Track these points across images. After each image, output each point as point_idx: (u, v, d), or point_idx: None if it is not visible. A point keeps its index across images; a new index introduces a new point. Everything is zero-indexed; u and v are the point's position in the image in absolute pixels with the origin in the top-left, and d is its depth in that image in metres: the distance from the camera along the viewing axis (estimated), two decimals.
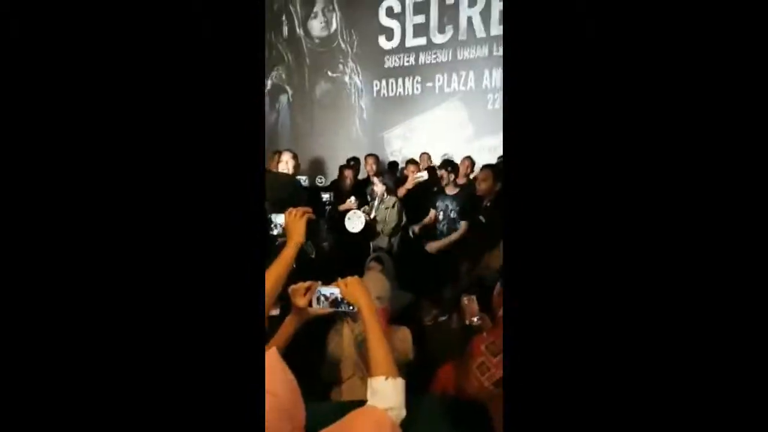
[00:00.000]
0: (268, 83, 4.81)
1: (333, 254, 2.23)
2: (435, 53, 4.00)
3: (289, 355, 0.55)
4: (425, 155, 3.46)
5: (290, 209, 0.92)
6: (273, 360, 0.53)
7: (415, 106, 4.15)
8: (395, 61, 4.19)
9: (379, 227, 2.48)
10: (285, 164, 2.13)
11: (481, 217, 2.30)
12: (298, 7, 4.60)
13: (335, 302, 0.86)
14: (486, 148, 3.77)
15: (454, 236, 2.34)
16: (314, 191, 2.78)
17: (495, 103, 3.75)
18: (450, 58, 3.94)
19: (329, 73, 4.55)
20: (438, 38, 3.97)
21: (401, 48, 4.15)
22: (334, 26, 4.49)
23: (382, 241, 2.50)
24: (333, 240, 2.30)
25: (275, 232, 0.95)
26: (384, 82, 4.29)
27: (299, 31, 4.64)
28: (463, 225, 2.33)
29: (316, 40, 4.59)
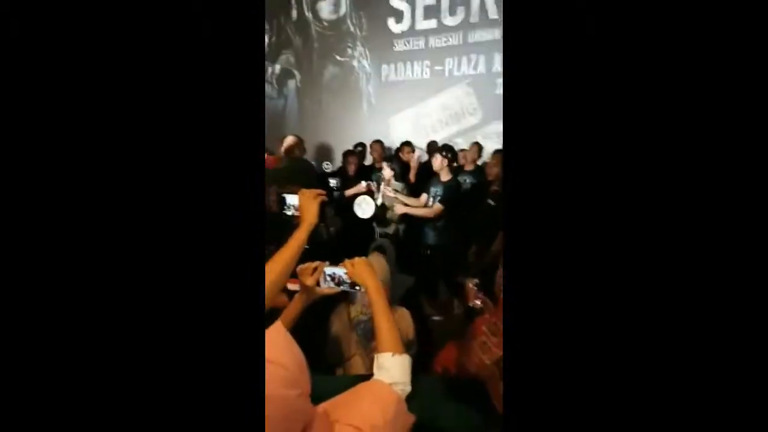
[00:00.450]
0: (277, 68, 4.78)
1: (340, 238, 2.27)
2: (446, 36, 3.91)
3: (294, 335, 0.58)
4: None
5: (303, 190, 0.93)
6: (276, 331, 0.55)
7: (424, 90, 4.09)
8: (405, 44, 4.12)
9: (387, 214, 2.50)
10: (292, 151, 2.15)
11: (490, 201, 2.30)
12: None
13: (342, 282, 0.89)
14: (495, 133, 3.72)
15: (412, 201, 2.34)
16: (321, 176, 2.79)
17: None
18: (461, 41, 3.86)
19: (337, 57, 4.50)
20: (449, 20, 3.88)
21: (411, 31, 4.07)
22: (343, 9, 4.41)
23: (389, 227, 2.52)
24: (340, 224, 2.33)
25: (289, 213, 0.97)
26: (393, 66, 4.22)
27: (308, 14, 4.57)
28: (422, 198, 2.33)
29: (325, 23, 4.52)
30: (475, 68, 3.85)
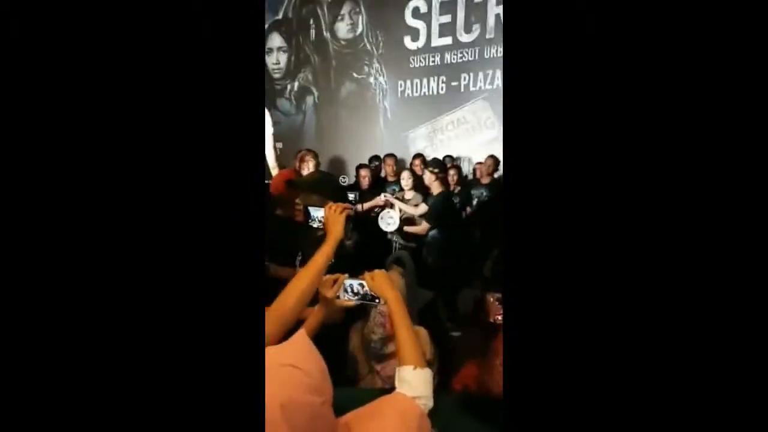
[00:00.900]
0: (296, 85, 4.93)
1: (359, 252, 2.28)
2: (461, 52, 3.97)
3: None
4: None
5: (330, 204, 0.94)
6: (300, 339, 0.56)
7: (440, 105, 4.14)
8: (420, 61, 4.20)
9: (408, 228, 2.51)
10: (306, 164, 2.21)
11: None
12: (326, 10, 4.70)
13: (362, 294, 0.89)
14: None
15: (408, 208, 2.37)
16: (340, 189, 2.83)
17: None
18: (476, 56, 3.91)
19: (354, 75, 4.62)
20: (464, 37, 3.95)
21: (427, 48, 4.15)
22: (360, 28, 4.55)
23: (410, 241, 2.51)
24: (357, 237, 2.35)
25: (315, 225, 0.99)
26: (409, 82, 4.30)
27: (326, 34, 4.73)
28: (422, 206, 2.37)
29: (342, 42, 4.66)
30: (491, 83, 3.88)
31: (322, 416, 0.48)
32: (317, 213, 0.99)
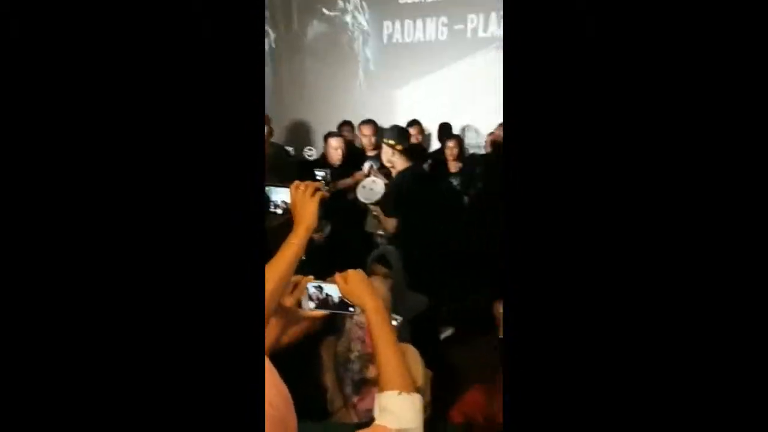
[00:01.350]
0: None
1: (331, 247, 2.27)
2: None
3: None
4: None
5: (297, 183, 0.90)
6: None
7: (440, 55, 4.13)
8: None
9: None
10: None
11: None
12: None
13: (331, 302, 0.89)
14: None
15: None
16: (305, 166, 2.80)
17: None
18: None
19: (325, 11, 4.54)
20: None
21: None
22: None
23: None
24: (329, 229, 2.34)
25: (277, 212, 0.93)
26: (398, 23, 4.27)
27: None
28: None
29: None
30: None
31: None
32: (279, 196, 0.95)
